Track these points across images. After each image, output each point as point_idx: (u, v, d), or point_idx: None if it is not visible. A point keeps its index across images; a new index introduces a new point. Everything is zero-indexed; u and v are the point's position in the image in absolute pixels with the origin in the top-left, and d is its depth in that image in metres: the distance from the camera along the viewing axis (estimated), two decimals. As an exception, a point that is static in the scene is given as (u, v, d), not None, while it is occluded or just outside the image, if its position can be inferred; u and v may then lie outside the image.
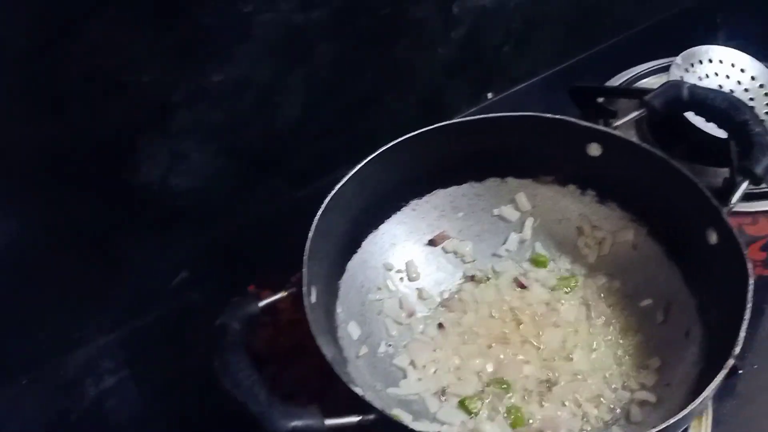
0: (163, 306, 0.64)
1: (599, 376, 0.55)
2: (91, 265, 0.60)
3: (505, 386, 0.55)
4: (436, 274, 0.62)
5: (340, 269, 0.58)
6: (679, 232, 0.57)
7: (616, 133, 0.60)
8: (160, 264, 0.64)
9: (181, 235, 0.64)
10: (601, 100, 0.76)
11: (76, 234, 0.58)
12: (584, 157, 0.61)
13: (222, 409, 0.44)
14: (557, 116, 0.60)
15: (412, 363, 0.56)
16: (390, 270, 0.61)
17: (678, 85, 0.60)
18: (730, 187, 0.56)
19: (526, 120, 0.61)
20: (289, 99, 0.65)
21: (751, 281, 0.48)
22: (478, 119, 0.61)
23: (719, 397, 0.55)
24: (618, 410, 0.53)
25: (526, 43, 0.81)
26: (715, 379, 0.44)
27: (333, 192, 0.55)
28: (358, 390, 0.48)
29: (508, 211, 0.64)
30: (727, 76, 0.75)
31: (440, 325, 0.59)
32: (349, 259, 0.59)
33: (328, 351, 0.48)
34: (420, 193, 0.63)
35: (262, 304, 0.49)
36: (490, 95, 0.82)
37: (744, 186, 0.54)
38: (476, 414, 0.53)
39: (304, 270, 0.50)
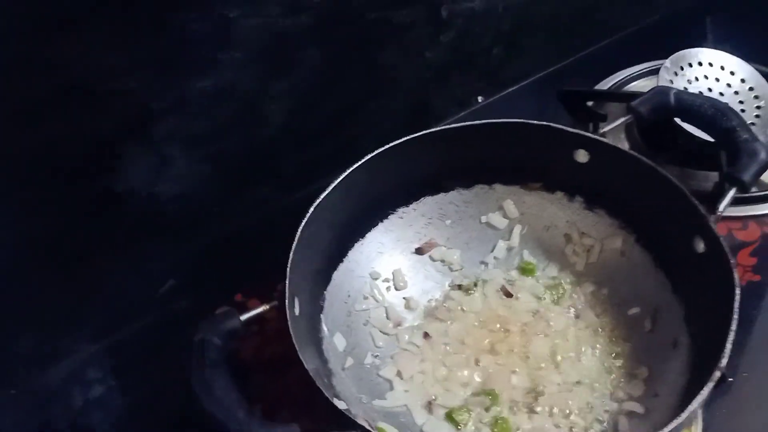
0: (150, 314, 0.64)
1: (587, 386, 0.55)
2: (76, 275, 0.59)
3: (492, 397, 0.54)
4: (424, 283, 0.62)
5: (325, 279, 0.58)
6: (667, 239, 0.57)
7: (604, 139, 0.59)
8: (147, 272, 0.64)
9: (167, 243, 0.64)
10: (590, 103, 0.76)
11: (60, 244, 0.57)
12: (572, 163, 0.60)
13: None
14: (544, 123, 0.60)
15: (399, 374, 0.56)
16: (377, 279, 0.61)
17: (665, 91, 0.60)
18: (720, 192, 0.55)
19: (512, 127, 0.60)
20: (275, 106, 0.65)
21: (738, 291, 0.47)
22: (464, 126, 0.61)
23: (709, 406, 0.55)
24: (606, 421, 0.53)
25: (515, 46, 0.81)
26: (701, 392, 0.44)
27: (317, 202, 0.54)
28: (341, 404, 0.48)
29: (496, 219, 0.64)
30: (717, 79, 0.75)
31: (426, 335, 0.59)
32: (335, 269, 0.59)
33: (311, 364, 0.47)
34: (407, 200, 0.63)
35: (243, 317, 0.48)
36: (480, 99, 0.82)
37: (732, 193, 0.54)
38: (464, 426, 0.53)
39: (287, 282, 0.50)
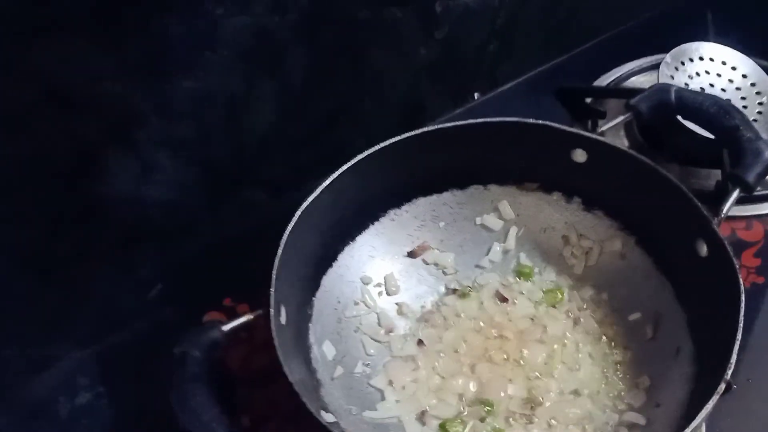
0: (139, 320, 0.62)
1: (586, 396, 0.53)
2: (61, 281, 0.58)
3: (488, 408, 0.52)
4: (417, 288, 0.60)
5: (314, 285, 0.56)
6: (669, 242, 0.55)
7: (602, 138, 0.57)
8: (135, 278, 0.63)
9: (155, 248, 0.63)
10: (589, 100, 0.75)
11: (45, 250, 0.56)
12: (569, 163, 0.58)
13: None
14: (540, 122, 0.58)
15: (391, 383, 0.54)
16: (368, 284, 0.59)
17: (665, 88, 0.58)
18: (722, 193, 0.53)
19: (508, 126, 0.58)
20: (263, 108, 0.63)
21: (743, 299, 0.45)
22: (458, 125, 0.59)
23: (712, 414, 0.53)
24: (606, 432, 0.51)
25: (511, 42, 0.79)
26: (706, 405, 0.42)
27: (303, 206, 0.52)
28: (328, 417, 0.46)
29: (492, 220, 0.62)
30: (718, 74, 0.73)
31: (420, 342, 0.57)
32: (324, 274, 0.57)
33: (297, 375, 0.45)
34: (399, 202, 0.61)
35: (226, 328, 0.46)
36: (476, 96, 0.80)
37: (735, 195, 0.52)
38: (458, 438, 0.51)
39: (272, 290, 0.48)
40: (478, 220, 0.62)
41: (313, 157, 0.68)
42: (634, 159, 0.55)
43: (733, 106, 0.56)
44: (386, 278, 0.60)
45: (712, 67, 0.73)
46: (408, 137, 0.57)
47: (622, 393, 0.53)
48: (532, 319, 0.58)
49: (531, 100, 0.81)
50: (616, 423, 0.51)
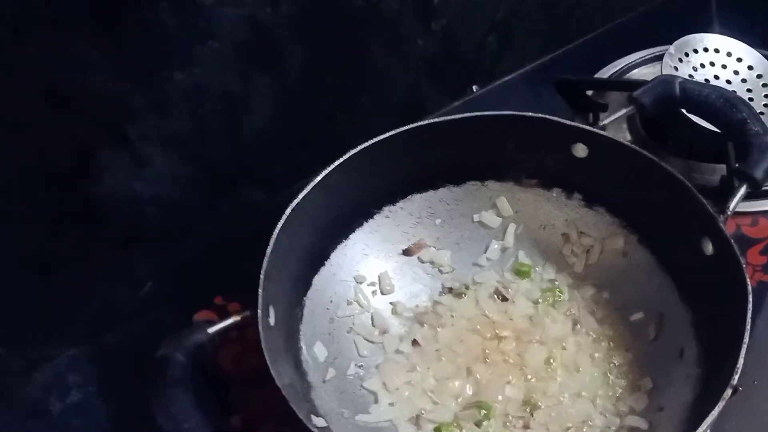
0: (133, 319, 0.61)
1: (586, 399, 0.51)
2: (55, 280, 0.57)
3: (485, 411, 0.51)
4: (412, 287, 0.58)
5: (305, 284, 0.54)
6: (673, 240, 0.53)
7: (603, 132, 0.55)
8: (129, 277, 0.62)
9: (149, 246, 0.62)
10: (590, 92, 0.73)
11: (39, 249, 0.55)
12: (570, 158, 0.57)
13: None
14: (539, 115, 0.56)
15: (384, 385, 0.53)
16: (361, 283, 0.57)
17: (669, 80, 0.56)
18: (728, 189, 0.52)
19: (506, 120, 0.57)
20: (258, 103, 0.62)
21: (750, 299, 0.44)
22: (454, 119, 0.57)
23: (717, 416, 0.51)
24: (606, 438, 0.49)
25: (511, 33, 0.77)
26: (712, 412, 0.40)
27: (294, 204, 0.51)
28: (319, 421, 0.45)
29: (489, 217, 0.60)
30: (724, 66, 0.71)
31: (415, 342, 0.55)
32: (316, 273, 0.55)
33: (286, 379, 0.44)
34: (394, 199, 0.59)
35: (211, 330, 0.44)
36: (474, 89, 0.78)
37: (742, 191, 0.51)
38: (453, 443, 0.49)
39: (260, 291, 0.46)
40: (476, 217, 0.60)
41: (311, 155, 0.66)
42: (637, 153, 0.53)
43: (740, 99, 0.54)
44: (380, 277, 0.58)
45: (717, 59, 0.71)
46: (401, 132, 0.56)
47: (624, 396, 0.51)
48: (530, 319, 0.56)
49: (530, 93, 0.79)
50: (617, 427, 0.50)
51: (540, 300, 0.57)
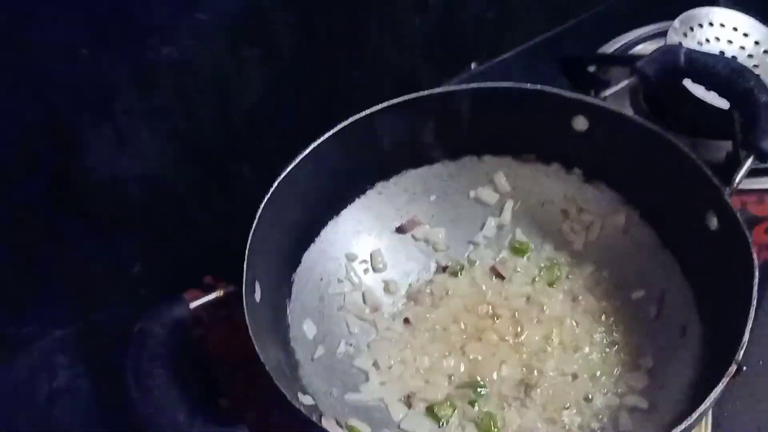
0: (120, 299, 0.60)
1: (584, 379, 0.50)
2: (39, 259, 0.56)
3: (479, 390, 0.49)
4: (405, 265, 0.57)
5: (294, 261, 0.52)
6: (676, 215, 0.52)
7: (605, 104, 0.53)
8: (115, 256, 0.60)
9: (135, 225, 0.60)
10: (592, 69, 0.71)
11: (21, 227, 0.54)
12: (569, 131, 0.55)
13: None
14: (538, 87, 0.54)
15: (376, 364, 0.51)
16: (353, 260, 0.56)
17: (674, 50, 0.54)
18: (734, 163, 0.50)
19: (503, 92, 0.55)
20: (248, 78, 0.60)
21: (757, 273, 0.42)
22: (449, 91, 0.55)
23: (719, 397, 0.50)
24: (605, 418, 0.48)
25: (510, 8, 0.75)
26: (715, 389, 0.38)
27: (280, 177, 0.49)
28: (306, 399, 0.43)
29: (486, 194, 0.58)
30: (730, 41, 0.69)
31: (407, 321, 0.53)
32: (305, 250, 0.53)
33: (272, 356, 0.42)
34: (387, 174, 0.57)
35: (193, 305, 0.43)
36: (473, 66, 0.76)
37: (749, 163, 0.49)
38: (446, 422, 0.48)
39: (245, 266, 0.45)
40: (472, 194, 0.58)
41: (302, 133, 0.64)
42: (640, 125, 0.51)
43: (747, 68, 0.52)
44: (372, 255, 0.56)
45: (723, 34, 0.69)
46: (397, 103, 0.54)
47: (624, 375, 0.49)
48: (527, 298, 0.54)
49: (531, 70, 0.78)
50: (616, 406, 0.48)
51: (538, 278, 0.56)
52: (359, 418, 0.47)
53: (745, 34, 0.69)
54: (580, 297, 0.54)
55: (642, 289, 0.52)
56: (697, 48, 0.67)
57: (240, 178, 0.65)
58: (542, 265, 0.56)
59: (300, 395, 0.44)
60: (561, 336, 0.52)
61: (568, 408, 0.48)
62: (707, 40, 0.68)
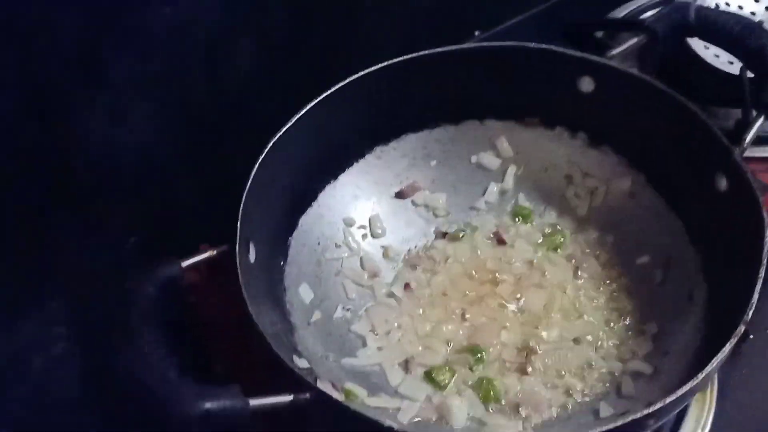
0: (116, 270, 0.57)
1: (587, 344, 0.48)
2: (30, 230, 0.53)
3: (479, 355, 0.48)
4: (405, 231, 0.55)
5: (290, 224, 0.51)
6: (684, 178, 0.50)
7: (612, 63, 0.52)
8: (110, 227, 0.58)
9: (129, 196, 0.58)
10: (600, 35, 0.69)
11: (12, 197, 0.51)
12: (575, 93, 0.53)
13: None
14: (543, 45, 0.52)
15: (373, 329, 0.50)
16: (351, 226, 0.54)
17: (684, 6, 0.52)
18: (743, 127, 0.48)
19: (507, 51, 0.53)
20: (245, 41, 0.58)
21: (767, 233, 0.40)
22: (451, 50, 0.53)
23: (726, 365, 0.48)
24: (607, 383, 0.47)
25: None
26: (723, 349, 0.37)
27: (275, 138, 0.48)
28: (302, 362, 0.43)
29: (488, 159, 0.57)
30: (740, 7, 0.67)
31: (407, 286, 0.52)
32: (302, 214, 0.52)
33: (266, 319, 0.41)
34: (386, 138, 0.56)
35: (185, 264, 0.42)
36: (476, 33, 0.74)
37: (759, 122, 0.47)
38: (444, 387, 0.47)
39: (239, 224, 0.43)
40: (474, 159, 0.57)
41: (299, 100, 0.63)
42: (648, 84, 0.50)
43: (760, 25, 0.50)
44: (371, 220, 0.55)
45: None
46: (394, 63, 0.52)
47: (627, 341, 0.48)
48: (530, 264, 0.53)
49: (535, 38, 0.75)
50: (619, 371, 0.47)
51: (540, 244, 0.54)
52: (356, 382, 0.46)
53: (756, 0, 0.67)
54: (584, 263, 0.53)
55: (647, 255, 0.51)
56: (708, 11, 0.65)
57: (235, 148, 0.64)
58: (545, 230, 0.55)
59: (295, 358, 0.43)
60: (563, 302, 0.51)
61: (569, 374, 0.47)
62: (716, 6, 0.66)
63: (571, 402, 0.46)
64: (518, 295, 0.51)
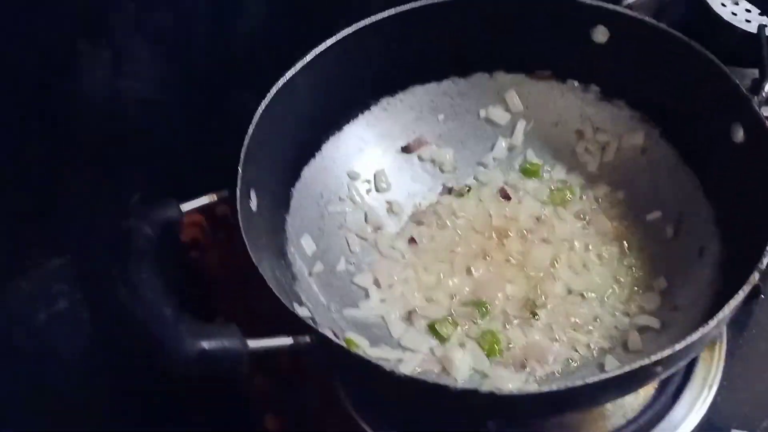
0: (119, 225, 0.58)
1: (594, 299, 0.48)
2: (37, 183, 0.54)
3: (483, 309, 0.47)
4: (410, 186, 0.54)
5: (293, 175, 0.50)
6: (699, 131, 0.49)
7: (628, 11, 0.50)
8: (114, 182, 0.58)
9: (134, 150, 0.58)
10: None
11: (17, 152, 0.51)
12: (588, 44, 0.51)
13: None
14: (556, -8, 0.50)
15: (376, 282, 0.49)
16: (355, 179, 0.53)
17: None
18: (760, 83, 0.46)
19: (518, -1, 0.51)
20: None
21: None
22: (460, -2, 0.51)
23: (735, 325, 0.48)
24: (614, 338, 0.46)
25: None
26: (736, 296, 0.36)
27: (279, 84, 0.47)
28: (302, 311, 0.42)
29: (497, 113, 0.55)
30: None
31: (412, 240, 0.51)
32: (305, 164, 0.51)
33: (267, 266, 0.41)
34: (393, 89, 0.54)
35: (185, 208, 0.41)
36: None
37: (778, 76, 0.45)
38: (447, 339, 0.46)
39: (240, 170, 0.43)
40: (482, 113, 0.55)
41: (307, 52, 0.61)
42: (665, 33, 0.48)
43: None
44: (376, 174, 0.54)
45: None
46: (403, 11, 0.51)
47: (635, 296, 0.47)
48: (537, 219, 0.52)
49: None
50: (626, 326, 0.46)
51: (548, 200, 0.53)
52: (357, 332, 0.45)
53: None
54: (593, 218, 0.51)
55: (658, 210, 0.50)
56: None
57: (239, 101, 0.63)
58: (554, 186, 0.54)
59: (296, 306, 0.43)
60: (570, 257, 0.50)
61: (575, 327, 0.46)
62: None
63: (577, 356, 0.45)
64: (524, 250, 0.50)
